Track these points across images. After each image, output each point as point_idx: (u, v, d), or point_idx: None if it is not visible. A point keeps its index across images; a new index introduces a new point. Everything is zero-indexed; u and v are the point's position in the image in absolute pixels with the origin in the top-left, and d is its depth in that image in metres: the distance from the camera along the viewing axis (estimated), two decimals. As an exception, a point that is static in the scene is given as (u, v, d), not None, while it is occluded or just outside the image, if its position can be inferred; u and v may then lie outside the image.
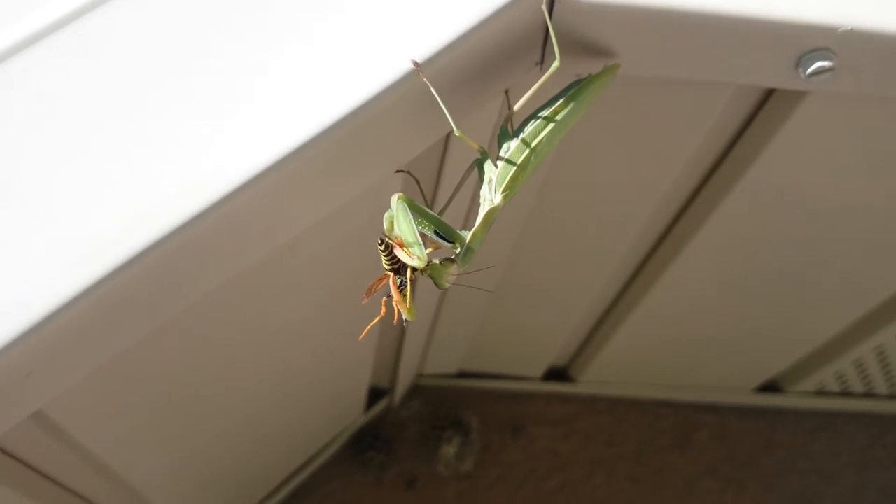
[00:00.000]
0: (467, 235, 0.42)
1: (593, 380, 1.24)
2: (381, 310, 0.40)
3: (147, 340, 0.54)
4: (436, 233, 0.42)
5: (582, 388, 1.27)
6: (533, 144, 0.45)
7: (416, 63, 0.40)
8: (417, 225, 0.42)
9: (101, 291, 0.36)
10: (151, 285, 0.38)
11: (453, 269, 0.41)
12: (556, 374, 1.26)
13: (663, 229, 0.80)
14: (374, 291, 0.40)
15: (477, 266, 0.44)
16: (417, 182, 0.48)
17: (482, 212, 0.43)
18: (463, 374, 1.23)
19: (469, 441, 1.21)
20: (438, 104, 0.42)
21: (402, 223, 0.39)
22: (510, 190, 0.44)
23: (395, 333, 0.93)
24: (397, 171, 0.48)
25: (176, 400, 0.68)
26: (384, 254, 0.39)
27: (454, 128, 0.42)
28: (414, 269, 0.39)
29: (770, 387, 1.27)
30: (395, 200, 0.40)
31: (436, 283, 0.41)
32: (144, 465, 0.72)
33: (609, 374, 1.22)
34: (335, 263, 0.65)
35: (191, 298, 0.43)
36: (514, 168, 0.44)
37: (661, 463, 1.26)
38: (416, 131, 0.46)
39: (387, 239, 0.38)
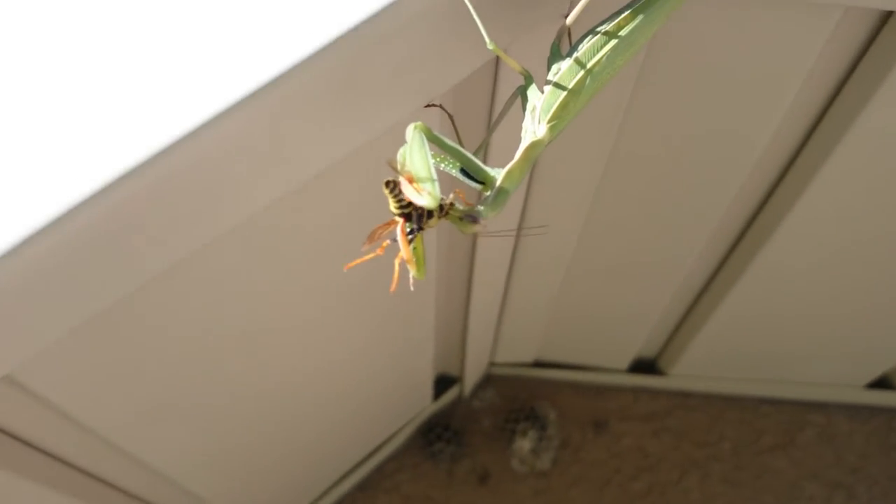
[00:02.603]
0: (500, 174, 0.34)
1: (686, 373, 1.15)
2: (393, 260, 0.32)
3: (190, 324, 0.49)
4: (462, 171, 0.34)
5: (673, 383, 1.17)
6: (589, 65, 0.36)
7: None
8: (440, 162, 0.34)
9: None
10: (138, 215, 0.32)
11: (477, 228, 0.33)
12: (644, 366, 1.18)
13: (762, 194, 0.70)
14: (378, 237, 0.32)
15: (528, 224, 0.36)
16: (451, 118, 0.40)
17: (522, 146, 0.35)
18: (540, 364, 1.14)
19: (546, 436, 1.12)
20: (469, 12, 0.34)
21: (415, 155, 0.31)
22: (558, 120, 0.35)
23: (457, 316, 0.85)
24: (428, 106, 0.40)
25: (235, 390, 0.64)
26: (391, 193, 0.31)
27: (487, 41, 0.34)
28: (430, 214, 0.31)
29: (883, 383, 1.15)
30: (412, 130, 0.32)
31: (459, 230, 0.34)
32: (186, 457, 0.67)
33: (703, 367, 1.12)
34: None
35: (192, 243, 0.36)
36: (564, 94, 0.36)
37: (762, 465, 1.15)
38: (449, 53, 0.38)
39: (394, 176, 0.30)
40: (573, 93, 0.36)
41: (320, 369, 0.73)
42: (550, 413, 1.14)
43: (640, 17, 0.37)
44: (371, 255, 0.32)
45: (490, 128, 0.39)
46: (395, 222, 0.32)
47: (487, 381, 1.16)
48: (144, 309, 0.47)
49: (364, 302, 0.66)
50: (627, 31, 0.37)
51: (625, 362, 1.14)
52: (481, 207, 0.33)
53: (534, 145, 0.35)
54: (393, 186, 0.31)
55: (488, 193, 0.34)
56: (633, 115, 0.57)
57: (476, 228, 0.33)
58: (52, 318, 0.34)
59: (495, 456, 1.13)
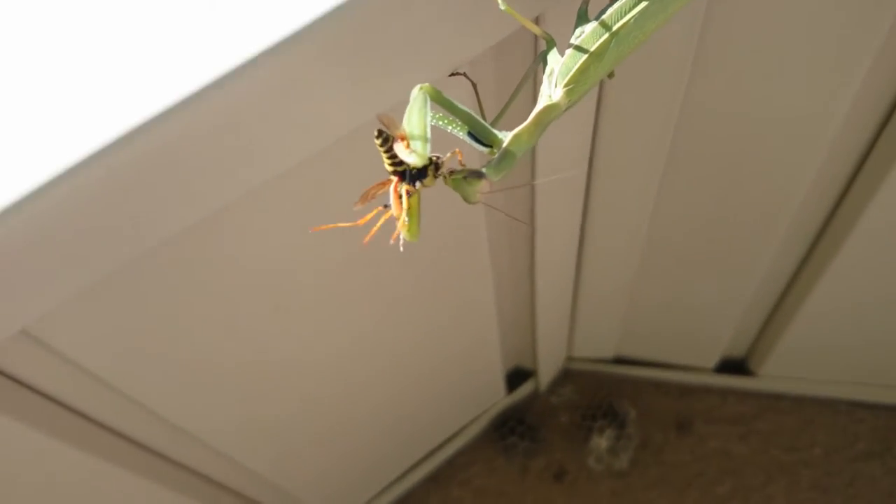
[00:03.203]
0: (507, 137, 0.33)
1: (776, 374, 1.09)
2: (393, 226, 0.31)
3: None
4: (469, 134, 0.33)
5: (763, 384, 1.12)
6: (615, 28, 0.34)
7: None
8: (447, 124, 0.33)
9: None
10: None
11: (482, 185, 0.32)
12: (733, 365, 1.12)
13: (846, 176, 0.65)
14: (372, 197, 0.31)
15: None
16: (475, 87, 0.39)
17: (536, 109, 0.34)
18: (620, 360, 1.11)
19: (625, 435, 1.08)
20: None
21: (413, 114, 0.30)
22: (576, 84, 0.34)
23: (524, 306, 0.83)
24: (452, 75, 0.39)
25: (301, 379, 0.66)
26: (384, 150, 0.30)
27: (499, 1, 0.33)
28: (424, 174, 0.30)
29: None
30: (416, 91, 0.31)
31: (463, 198, 0.32)
32: (265, 450, 0.68)
33: (795, 367, 1.06)
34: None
35: (218, 199, 0.36)
36: (585, 57, 0.34)
37: (854, 472, 1.08)
38: (472, 20, 0.37)
39: (385, 131, 0.30)
40: (595, 56, 0.34)
41: (379, 354, 0.73)
42: (630, 411, 1.10)
43: (673, -23, 0.35)
44: (384, 219, 0.31)
45: (511, 95, 0.37)
46: (391, 181, 0.31)
47: (565, 376, 1.13)
48: (189, 278, 0.48)
49: (418, 289, 0.66)
50: (659, -9, 0.35)
51: (711, 361, 1.09)
52: (485, 169, 0.32)
53: (547, 109, 0.34)
54: (385, 139, 0.30)
55: (495, 156, 0.33)
56: (697, 90, 0.55)
57: (483, 186, 0.32)
58: (76, 268, 0.35)
59: (572, 453, 1.10)
